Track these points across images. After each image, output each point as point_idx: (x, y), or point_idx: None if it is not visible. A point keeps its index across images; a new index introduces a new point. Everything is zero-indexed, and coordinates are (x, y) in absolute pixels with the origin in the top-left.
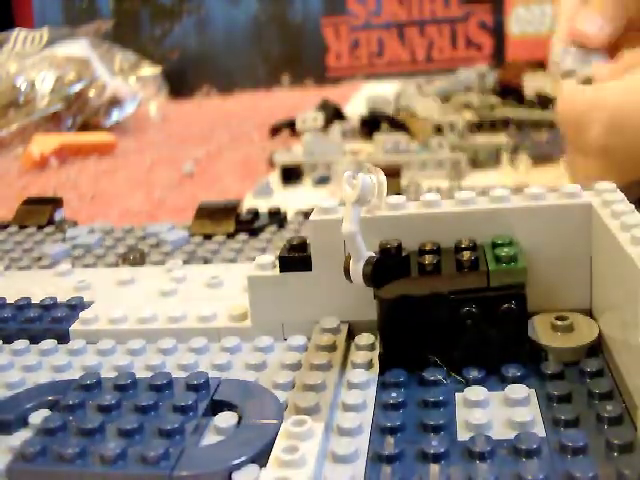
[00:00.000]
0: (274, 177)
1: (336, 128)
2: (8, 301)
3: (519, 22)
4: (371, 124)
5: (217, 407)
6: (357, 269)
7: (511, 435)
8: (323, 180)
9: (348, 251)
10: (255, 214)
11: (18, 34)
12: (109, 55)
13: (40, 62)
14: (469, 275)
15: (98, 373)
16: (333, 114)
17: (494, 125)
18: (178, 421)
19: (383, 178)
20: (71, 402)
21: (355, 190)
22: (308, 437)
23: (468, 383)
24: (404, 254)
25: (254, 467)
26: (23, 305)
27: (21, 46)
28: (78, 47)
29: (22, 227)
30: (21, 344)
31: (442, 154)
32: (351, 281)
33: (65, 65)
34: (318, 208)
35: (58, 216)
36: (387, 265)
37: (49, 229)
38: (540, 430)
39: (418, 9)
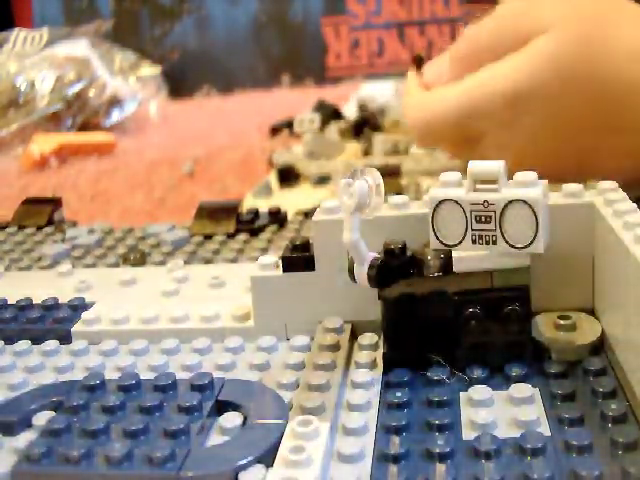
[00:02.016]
0: (274, 177)
1: (332, 128)
2: (9, 302)
3: None
4: (360, 126)
5: (222, 407)
6: (361, 272)
7: (516, 434)
8: (323, 180)
9: (351, 256)
10: (255, 214)
11: (18, 34)
12: (109, 55)
13: (40, 62)
14: (473, 275)
15: (102, 374)
16: (330, 114)
17: None
18: (183, 422)
19: (379, 178)
20: (75, 403)
21: (353, 199)
22: (314, 437)
23: (471, 382)
24: (408, 254)
25: (260, 467)
26: (24, 306)
27: (21, 46)
28: (78, 47)
29: (21, 227)
30: (23, 345)
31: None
32: (355, 282)
33: (65, 65)
34: (321, 208)
35: (57, 216)
36: (391, 266)
37: (49, 229)
38: (545, 429)
39: (418, 9)
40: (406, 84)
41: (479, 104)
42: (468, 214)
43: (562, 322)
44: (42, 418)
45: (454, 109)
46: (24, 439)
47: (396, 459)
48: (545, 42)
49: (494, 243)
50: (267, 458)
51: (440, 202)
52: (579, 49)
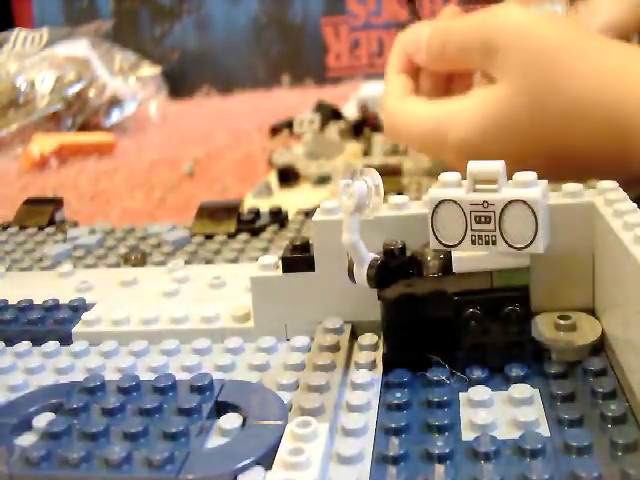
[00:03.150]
0: (274, 177)
1: (332, 128)
2: (10, 302)
3: None
4: (360, 126)
5: (221, 408)
6: (361, 273)
7: (516, 435)
8: (323, 180)
9: (350, 257)
10: (256, 214)
11: (18, 34)
12: (109, 55)
13: (40, 62)
14: (473, 276)
15: (102, 375)
16: (330, 115)
17: None
18: (183, 423)
19: (378, 178)
20: (75, 405)
21: (352, 200)
22: (313, 438)
23: (471, 383)
24: (408, 254)
25: (259, 469)
26: (25, 307)
27: (21, 46)
28: (78, 47)
29: (22, 227)
30: (23, 346)
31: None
32: (355, 282)
33: (65, 65)
34: (321, 208)
35: (59, 216)
36: (391, 267)
37: (50, 229)
38: (544, 430)
39: (418, 9)
40: (386, 84)
41: (433, 147)
42: (467, 214)
43: (562, 322)
44: (42, 420)
45: (418, 138)
46: (24, 441)
47: (395, 460)
48: (497, 97)
49: (494, 243)
50: (266, 460)
51: (439, 202)
52: (529, 110)
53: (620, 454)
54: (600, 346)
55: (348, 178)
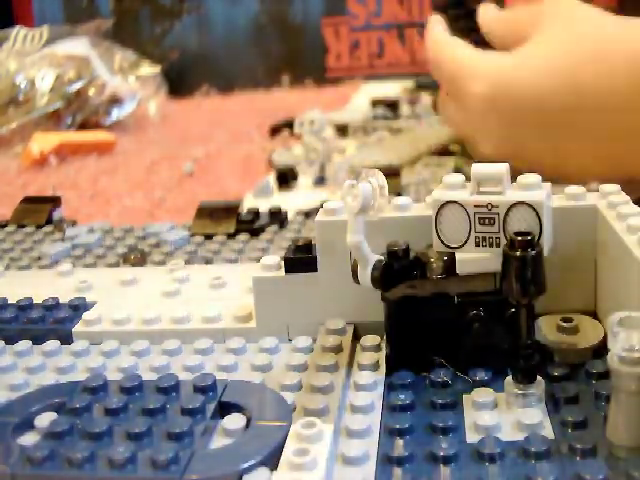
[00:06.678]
0: (274, 177)
1: (332, 129)
2: (10, 301)
3: None
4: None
5: (225, 409)
6: (365, 274)
7: (520, 437)
8: (323, 180)
9: (354, 258)
10: (256, 214)
11: (18, 32)
12: (109, 54)
13: (40, 60)
14: (477, 278)
15: (104, 375)
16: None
17: None
18: (187, 424)
19: (383, 179)
20: (77, 405)
21: (357, 201)
22: (318, 439)
23: (475, 384)
24: (412, 255)
25: (264, 470)
26: (25, 306)
27: (21, 44)
28: (78, 45)
29: (20, 226)
30: (24, 345)
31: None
32: (359, 283)
33: (65, 63)
34: (324, 209)
35: (57, 215)
36: (395, 268)
37: (48, 228)
38: (549, 432)
39: (418, 10)
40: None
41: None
42: (472, 216)
43: (565, 325)
44: (44, 420)
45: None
46: (26, 441)
47: (400, 462)
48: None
49: (497, 246)
50: (271, 461)
51: (443, 204)
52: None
53: (624, 456)
54: (603, 348)
55: (353, 179)
